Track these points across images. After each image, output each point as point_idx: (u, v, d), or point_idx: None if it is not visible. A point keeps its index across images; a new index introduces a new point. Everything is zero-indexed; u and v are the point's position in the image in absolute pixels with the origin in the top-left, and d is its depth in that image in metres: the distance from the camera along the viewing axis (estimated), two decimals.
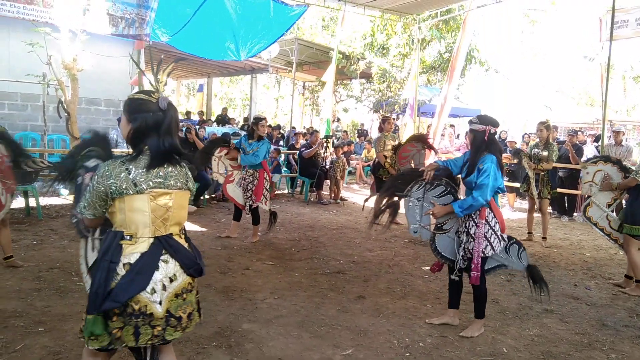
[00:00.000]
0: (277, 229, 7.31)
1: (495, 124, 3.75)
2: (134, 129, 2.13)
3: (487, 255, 3.73)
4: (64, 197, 8.73)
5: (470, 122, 3.82)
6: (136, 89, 9.41)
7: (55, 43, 7.58)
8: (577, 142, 9.85)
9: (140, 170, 2.08)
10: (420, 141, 7.74)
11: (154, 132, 2.12)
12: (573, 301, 4.77)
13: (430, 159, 8.27)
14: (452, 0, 11.33)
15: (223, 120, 17.07)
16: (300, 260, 5.74)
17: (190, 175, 2.29)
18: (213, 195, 9.57)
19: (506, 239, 3.85)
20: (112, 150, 2.68)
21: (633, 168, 5.36)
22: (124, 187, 2.05)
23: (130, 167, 2.08)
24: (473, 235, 3.71)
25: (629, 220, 5.02)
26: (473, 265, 3.71)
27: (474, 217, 3.71)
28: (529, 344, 3.74)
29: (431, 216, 3.92)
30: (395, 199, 4.05)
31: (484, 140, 3.71)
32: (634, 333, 4.05)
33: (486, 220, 3.70)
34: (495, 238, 3.73)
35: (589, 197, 5.66)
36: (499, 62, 21.85)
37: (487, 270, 3.88)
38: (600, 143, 9.65)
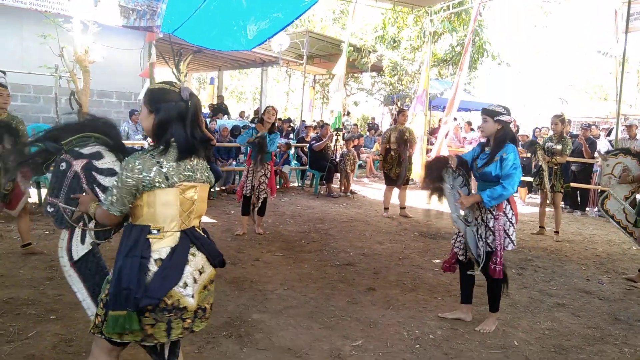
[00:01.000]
0: (286, 221, 7.33)
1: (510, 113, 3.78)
2: (158, 119, 2.07)
3: (507, 248, 3.70)
4: None
5: (495, 113, 3.67)
6: (147, 81, 9.46)
7: (67, 35, 7.62)
8: (591, 136, 9.73)
9: (171, 164, 2.05)
10: (400, 134, 7.85)
11: (179, 123, 2.07)
12: (585, 295, 4.72)
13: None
14: None
15: (219, 109, 16.10)
16: (310, 252, 5.73)
17: (209, 169, 2.27)
18: (223, 188, 9.59)
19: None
20: (120, 139, 2.49)
21: None
22: (156, 180, 2.01)
23: (162, 160, 2.04)
24: (492, 228, 3.66)
25: None
26: (497, 259, 3.65)
27: (492, 210, 3.66)
28: (540, 337, 3.71)
29: (461, 207, 3.79)
30: (439, 185, 3.90)
31: (511, 131, 3.74)
32: None
33: (504, 212, 3.67)
34: (513, 231, 3.72)
35: (603, 189, 5.60)
36: (511, 56, 21.67)
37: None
38: (614, 137, 9.53)
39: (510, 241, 3.70)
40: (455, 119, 14.66)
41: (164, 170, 2.03)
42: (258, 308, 3.98)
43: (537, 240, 6.89)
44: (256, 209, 6.36)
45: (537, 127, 13.49)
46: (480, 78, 20.94)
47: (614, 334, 3.86)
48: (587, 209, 9.50)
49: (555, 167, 6.91)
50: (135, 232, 2.06)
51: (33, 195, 7.28)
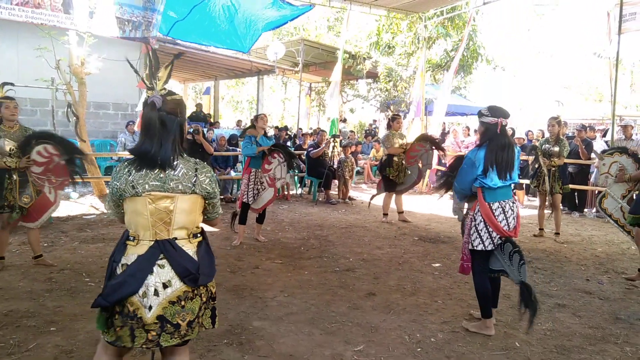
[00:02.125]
0: (285, 228, 7.33)
1: (506, 115, 3.65)
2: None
3: (475, 248, 3.64)
4: (74, 200, 8.79)
5: (480, 114, 3.71)
6: (144, 93, 9.48)
7: (63, 47, 7.65)
8: (587, 138, 9.77)
9: (139, 173, 2.08)
10: (428, 141, 7.74)
11: (144, 133, 2.14)
12: (586, 295, 4.72)
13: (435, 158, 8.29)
14: None
15: (197, 117, 15.66)
16: (309, 258, 5.73)
17: (206, 180, 2.20)
18: (221, 197, 9.59)
19: (509, 245, 3.64)
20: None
21: None
22: (122, 188, 2.08)
23: (131, 168, 2.09)
24: (465, 224, 3.80)
25: (638, 211, 4.97)
26: (462, 255, 3.79)
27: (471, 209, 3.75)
28: (541, 338, 3.71)
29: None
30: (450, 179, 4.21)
31: (496, 133, 3.60)
32: None
33: (473, 214, 3.68)
34: (476, 235, 3.64)
35: (601, 190, 5.62)
36: (506, 60, 21.78)
37: (493, 271, 3.77)
38: (610, 138, 9.57)
39: (480, 242, 3.62)
40: (444, 123, 14.73)
41: (130, 178, 2.08)
42: (258, 315, 3.97)
43: (537, 242, 6.90)
44: (256, 216, 6.43)
45: (529, 130, 13.54)
46: (475, 82, 21.04)
47: (615, 333, 3.86)
48: (585, 210, 9.51)
49: (554, 169, 6.94)
50: (121, 237, 2.18)
51: None
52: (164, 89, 2.24)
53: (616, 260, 6.09)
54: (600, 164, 5.72)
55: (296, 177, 11.16)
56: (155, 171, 2.10)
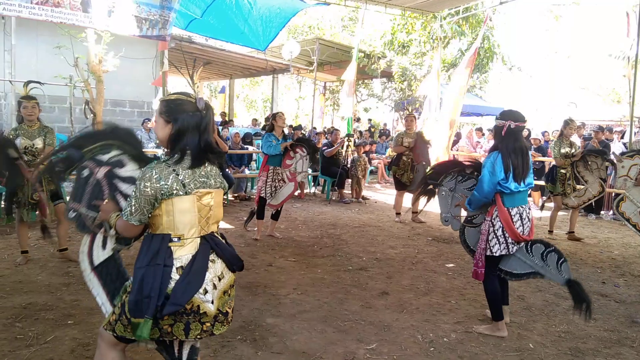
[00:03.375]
0: (299, 226, 7.36)
1: (517, 118, 3.59)
2: (175, 130, 2.12)
3: (494, 254, 3.60)
4: None
5: (495, 118, 3.77)
6: (160, 90, 9.56)
7: (81, 45, 7.74)
8: (605, 139, 9.66)
9: (187, 171, 2.11)
10: (421, 138, 7.89)
11: (194, 133, 2.13)
12: (601, 298, 4.68)
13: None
14: None
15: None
16: (322, 257, 5.75)
17: (221, 174, 2.33)
18: (235, 195, 9.64)
19: (540, 245, 3.62)
20: (142, 148, 2.54)
21: None
22: (174, 188, 2.06)
23: (177, 168, 2.09)
24: (480, 230, 3.74)
25: None
26: (477, 262, 3.71)
27: (486, 215, 3.70)
28: (556, 340, 3.69)
29: (462, 208, 3.97)
30: (430, 187, 4.24)
31: (501, 136, 3.60)
32: None
33: (491, 220, 3.63)
34: (495, 241, 3.60)
35: (618, 192, 5.55)
36: (522, 60, 21.60)
37: (518, 275, 3.72)
38: (628, 140, 9.44)
39: (498, 247, 3.59)
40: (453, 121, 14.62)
41: (180, 178, 2.08)
42: (272, 312, 4.00)
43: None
44: (272, 213, 6.57)
45: (545, 131, 13.42)
46: (491, 83, 20.89)
47: (631, 336, 3.82)
48: (602, 212, 9.40)
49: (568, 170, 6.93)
50: (156, 241, 2.11)
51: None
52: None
53: (633, 264, 6.01)
54: (619, 166, 5.64)
55: (310, 176, 11.18)
56: (199, 169, 2.15)
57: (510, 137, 3.57)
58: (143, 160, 2.44)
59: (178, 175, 2.08)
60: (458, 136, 13.75)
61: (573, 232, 7.18)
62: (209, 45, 13.60)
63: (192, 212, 2.12)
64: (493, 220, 3.62)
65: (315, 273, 5.11)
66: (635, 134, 9.85)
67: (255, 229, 6.54)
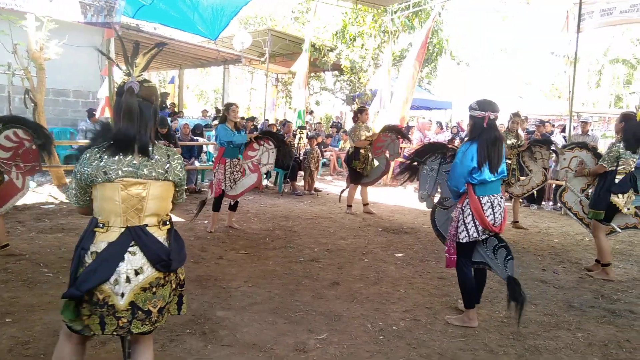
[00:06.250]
0: (250, 219, 7.31)
1: (495, 109, 3.63)
2: (112, 114, 2.14)
3: (461, 240, 3.67)
4: (32, 189, 8.52)
5: (470, 108, 3.71)
6: (106, 80, 9.24)
7: (21, 31, 7.38)
8: (546, 133, 10.06)
9: (112, 158, 2.05)
10: (394, 131, 7.82)
11: (123, 118, 2.10)
12: (542, 284, 4.89)
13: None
14: None
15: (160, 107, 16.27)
16: (274, 249, 5.74)
17: (177, 166, 2.23)
18: (186, 188, 9.46)
19: (494, 239, 3.74)
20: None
21: None
22: (94, 174, 2.04)
23: (103, 154, 2.06)
24: (452, 217, 3.81)
25: (595, 206, 5.16)
26: (448, 248, 3.78)
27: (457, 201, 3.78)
28: (499, 325, 3.83)
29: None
30: (415, 164, 4.34)
31: (482, 127, 3.60)
32: (599, 313, 4.17)
33: (462, 207, 3.70)
34: (463, 228, 3.65)
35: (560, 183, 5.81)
36: (470, 55, 22.17)
37: (475, 263, 3.85)
38: (567, 133, 9.88)
39: (466, 235, 3.65)
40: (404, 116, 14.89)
41: (102, 164, 2.05)
42: (222, 305, 3.96)
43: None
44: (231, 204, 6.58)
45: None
46: (440, 77, 21.33)
47: (568, 320, 4.01)
48: (543, 202, 9.81)
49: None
50: (88, 224, 2.12)
51: None
52: (141, 75, 2.23)
53: (571, 251, 6.31)
54: (561, 158, 5.89)
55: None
56: (128, 157, 2.09)
57: (490, 128, 3.60)
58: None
59: (101, 161, 2.06)
60: (408, 129, 13.98)
61: (517, 221, 7.48)
62: (158, 35, 13.24)
63: (115, 200, 2.07)
64: (463, 208, 3.68)
65: (266, 265, 5.09)
66: (574, 127, 10.31)
67: (206, 221, 6.46)
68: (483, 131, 3.60)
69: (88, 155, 2.08)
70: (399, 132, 7.82)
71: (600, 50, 24.71)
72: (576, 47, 9.29)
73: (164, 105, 16.29)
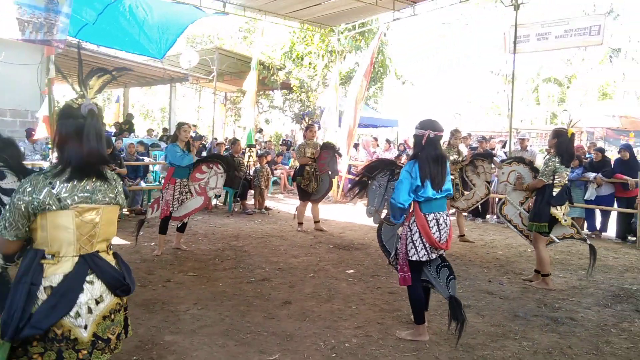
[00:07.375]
0: (199, 240, 7.17)
1: (436, 128, 3.73)
2: (57, 137, 2.01)
3: (411, 258, 3.71)
4: None
5: (415, 127, 3.82)
6: (46, 99, 8.89)
7: None
8: (488, 149, 10.44)
9: (65, 185, 1.95)
10: (329, 149, 8.00)
11: (76, 141, 2.00)
12: (488, 296, 5.03)
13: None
14: (368, 13, 11.70)
15: (130, 129, 15.84)
16: (224, 270, 5.64)
17: (121, 189, 2.19)
18: (131, 209, 9.20)
19: (437, 258, 3.80)
20: (22, 159, 2.45)
21: None
22: (47, 202, 1.91)
23: (55, 181, 1.94)
24: (399, 235, 3.85)
25: (536, 219, 5.38)
26: (400, 267, 3.80)
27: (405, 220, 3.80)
28: (449, 338, 3.89)
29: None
30: (365, 179, 4.42)
31: (422, 145, 3.70)
32: (543, 322, 4.33)
33: (409, 225, 3.75)
34: (412, 246, 3.70)
35: (501, 197, 6.03)
36: (414, 75, 22.84)
37: (424, 281, 3.90)
38: (507, 149, 10.30)
39: (415, 253, 3.69)
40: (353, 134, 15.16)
41: (55, 191, 1.93)
42: (170, 329, 3.85)
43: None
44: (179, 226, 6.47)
45: None
46: (386, 96, 21.81)
47: (514, 329, 4.13)
48: (487, 216, 10.14)
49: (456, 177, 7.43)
50: (30, 257, 1.96)
51: None
52: (95, 97, 2.17)
53: (514, 262, 6.54)
54: (500, 172, 6.13)
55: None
56: (83, 182, 2.00)
57: (430, 146, 3.69)
58: (22, 172, 2.27)
59: (53, 188, 1.93)
60: (355, 147, 14.19)
61: (464, 235, 7.68)
62: (102, 52, 12.90)
63: (68, 228, 1.96)
64: (410, 225, 3.73)
65: (216, 287, 5.00)
66: (514, 143, 10.76)
67: (153, 243, 6.28)
68: (423, 149, 3.70)
69: (31, 183, 1.93)
70: (334, 150, 8.00)
71: (534, 70, 26.04)
72: (513, 67, 9.76)
73: (132, 129, 16.15)
